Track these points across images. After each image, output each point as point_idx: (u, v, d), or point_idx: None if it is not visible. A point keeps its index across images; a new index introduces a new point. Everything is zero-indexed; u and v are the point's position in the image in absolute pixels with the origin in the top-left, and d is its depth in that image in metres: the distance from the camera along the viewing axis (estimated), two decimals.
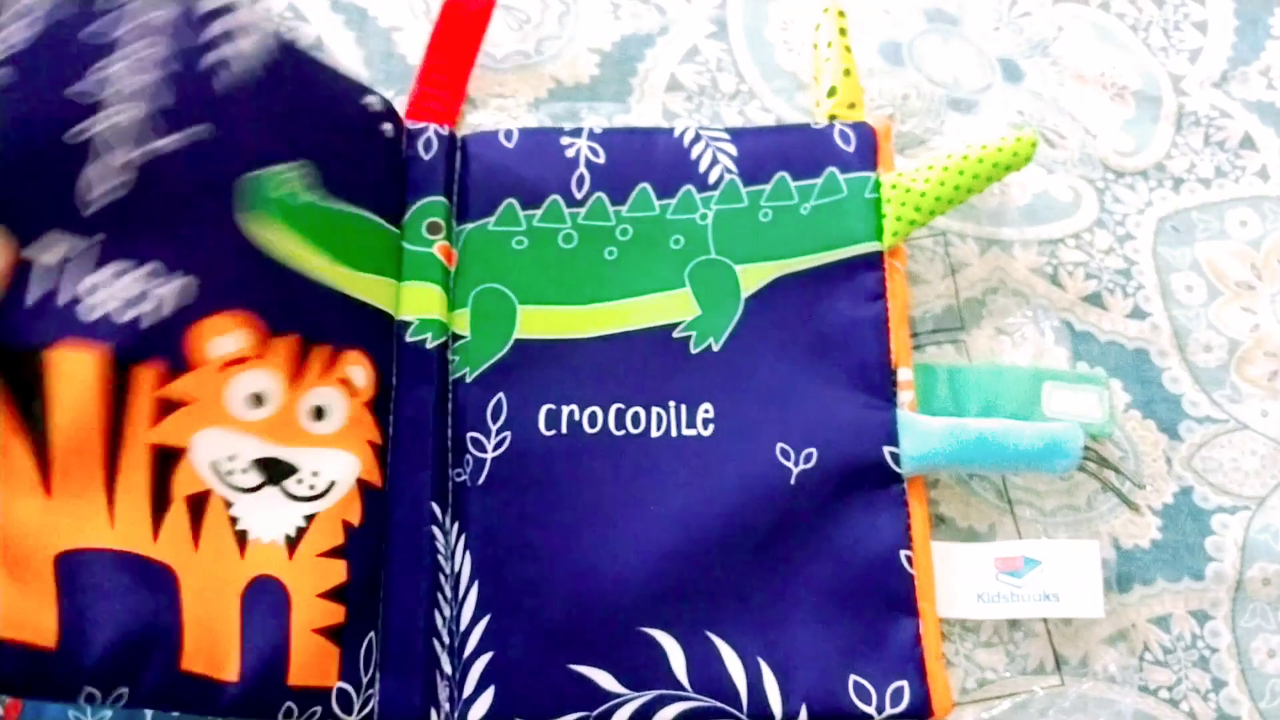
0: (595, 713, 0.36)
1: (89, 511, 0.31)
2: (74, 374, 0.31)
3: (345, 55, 0.45)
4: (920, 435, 0.38)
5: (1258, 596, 0.40)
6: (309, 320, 0.36)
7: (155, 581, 0.31)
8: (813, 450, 0.38)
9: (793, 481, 0.38)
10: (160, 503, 0.32)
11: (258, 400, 0.35)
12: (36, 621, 0.29)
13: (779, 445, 0.38)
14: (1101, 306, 0.43)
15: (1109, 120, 0.46)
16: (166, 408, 0.33)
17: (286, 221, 0.36)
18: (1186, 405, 0.42)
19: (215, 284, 0.33)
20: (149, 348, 0.32)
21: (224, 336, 0.34)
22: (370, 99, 0.40)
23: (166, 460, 0.33)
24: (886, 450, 0.38)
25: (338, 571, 0.35)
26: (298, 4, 0.45)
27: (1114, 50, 0.47)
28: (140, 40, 0.32)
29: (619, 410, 0.39)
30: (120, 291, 0.31)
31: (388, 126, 0.40)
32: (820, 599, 0.37)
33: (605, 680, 0.36)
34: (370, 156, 0.40)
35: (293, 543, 0.35)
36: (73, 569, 0.30)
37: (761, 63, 0.46)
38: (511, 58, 0.45)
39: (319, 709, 0.34)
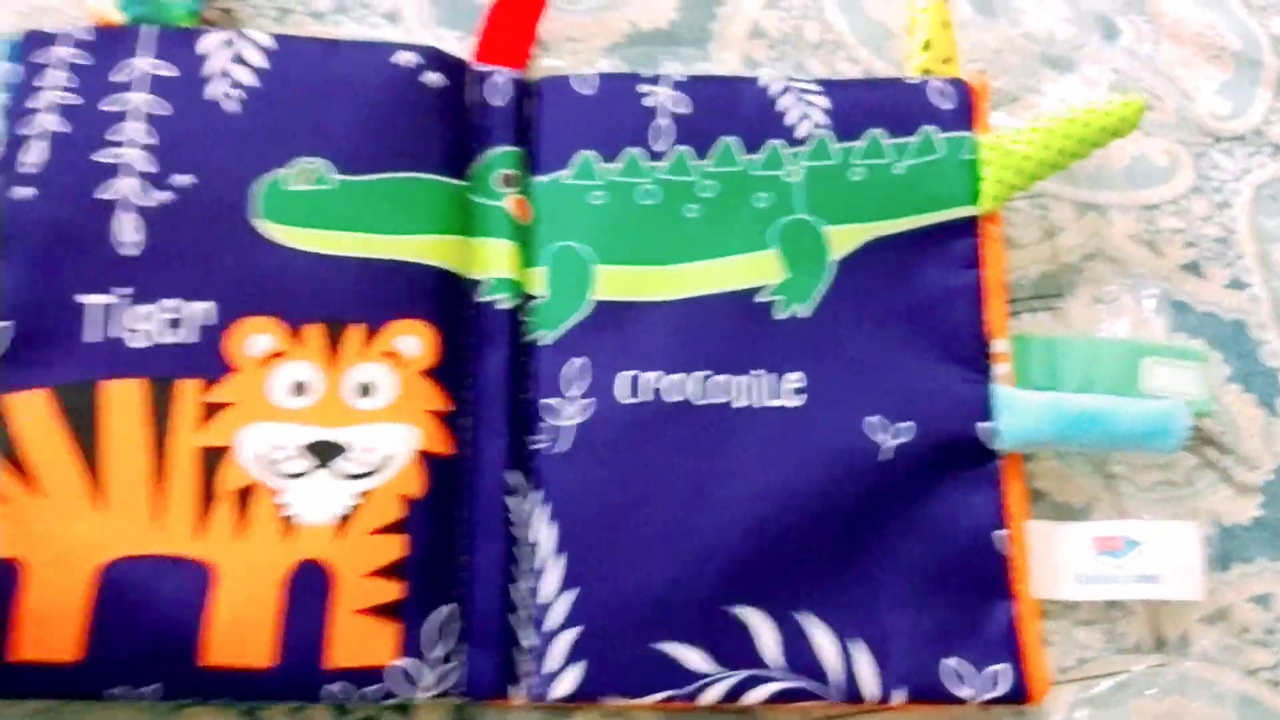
0: (684, 691, 0.34)
1: (135, 520, 0.34)
2: (125, 401, 0.35)
3: None
4: (1019, 411, 0.37)
5: None
6: (334, 304, 0.36)
7: (188, 581, 0.33)
8: (906, 424, 0.37)
9: (885, 456, 0.36)
10: (206, 500, 0.34)
11: (300, 389, 0.36)
12: (62, 639, 0.33)
13: (871, 418, 0.37)
14: (1199, 276, 0.42)
15: (1206, 82, 0.44)
16: (211, 411, 0.35)
17: (307, 214, 0.37)
18: None
19: (239, 295, 0.36)
20: (189, 363, 0.35)
21: (256, 337, 0.36)
22: (400, 55, 0.38)
23: (213, 460, 0.35)
24: (982, 426, 0.37)
25: (394, 547, 0.34)
26: None
27: (1213, 9, 0.45)
28: (147, 97, 0.37)
29: (702, 378, 0.37)
30: (158, 319, 0.35)
31: (431, 76, 0.38)
32: (913, 579, 0.36)
33: (695, 658, 0.35)
34: (413, 114, 0.38)
35: (343, 522, 0.34)
36: (111, 578, 0.33)
37: (849, 10, 0.44)
38: (587, 0, 0.43)
39: (372, 688, 0.33)
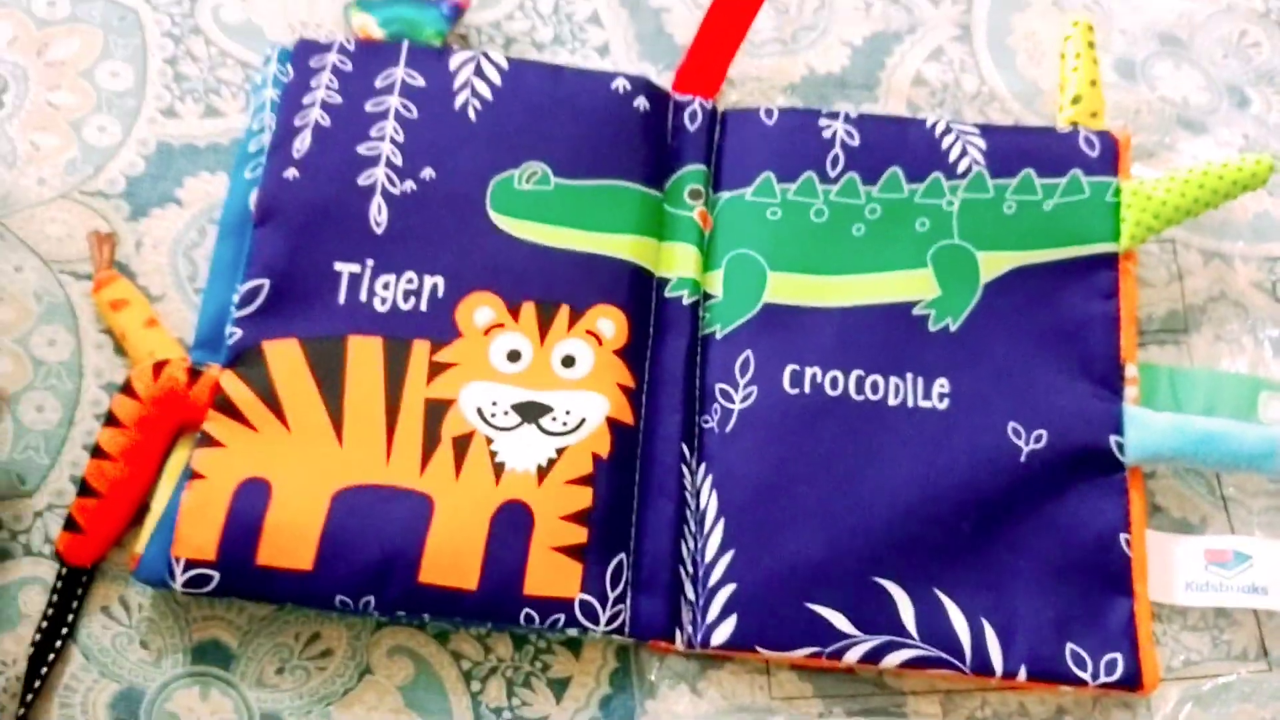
0: (829, 649, 0.38)
1: (371, 455, 0.39)
2: (367, 354, 0.40)
3: (619, 31, 0.48)
4: (1145, 428, 0.41)
5: None
6: (547, 287, 0.41)
7: (412, 509, 0.38)
8: (1043, 432, 0.41)
9: (1022, 459, 0.40)
10: (430, 443, 0.39)
11: (514, 356, 0.41)
12: (298, 550, 0.37)
13: (1011, 424, 0.41)
14: None
15: None
16: (438, 369, 0.40)
17: (529, 209, 0.42)
18: None
19: (470, 272, 0.42)
20: (424, 327, 0.41)
21: (480, 309, 0.41)
22: (618, 83, 0.44)
23: (438, 410, 0.40)
24: (1113, 439, 0.41)
25: (583, 497, 0.39)
26: None
27: None
28: (404, 100, 0.43)
29: (859, 376, 0.42)
30: (401, 288, 0.41)
31: (640, 101, 0.44)
32: (1042, 570, 0.40)
33: (840, 621, 0.39)
34: (624, 132, 0.44)
35: (544, 471, 0.39)
36: (344, 502, 0.38)
37: (1002, 67, 0.49)
38: (769, 44, 0.48)
39: (561, 616, 0.38)
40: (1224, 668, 0.40)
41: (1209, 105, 0.49)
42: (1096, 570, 0.40)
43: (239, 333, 0.40)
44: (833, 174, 0.44)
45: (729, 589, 0.39)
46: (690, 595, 0.39)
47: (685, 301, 0.43)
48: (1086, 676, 0.38)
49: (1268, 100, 0.49)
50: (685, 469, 0.41)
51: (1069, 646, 0.39)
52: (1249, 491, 0.43)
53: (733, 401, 0.42)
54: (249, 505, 0.38)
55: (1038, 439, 0.41)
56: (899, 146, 0.44)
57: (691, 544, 0.40)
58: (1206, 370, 0.43)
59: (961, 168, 0.44)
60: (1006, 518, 0.40)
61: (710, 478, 0.41)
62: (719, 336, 0.42)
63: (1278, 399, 0.42)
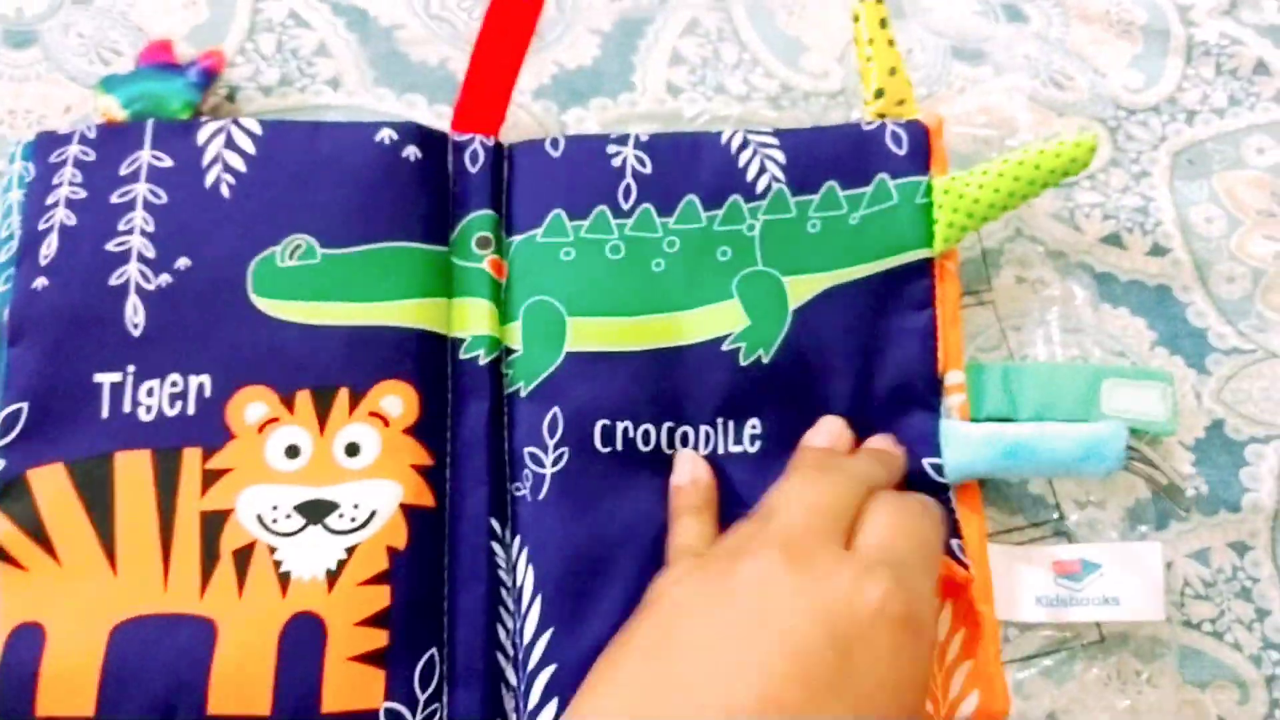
0: None
1: (147, 582, 0.37)
2: (135, 471, 0.38)
3: (350, 59, 0.45)
4: (962, 444, 0.38)
5: None
6: (322, 372, 0.39)
7: (194, 636, 0.36)
8: None
9: None
10: (209, 561, 0.37)
11: (293, 452, 0.38)
12: (78, 696, 0.35)
13: None
14: (1121, 246, 0.43)
15: (1117, 58, 0.45)
16: (212, 477, 0.38)
17: (296, 288, 0.39)
18: (1213, 338, 0.42)
19: (238, 366, 0.39)
20: (194, 433, 0.38)
21: (251, 405, 0.38)
22: (383, 133, 0.40)
23: (215, 522, 0.37)
24: (928, 462, 0.38)
25: (380, 597, 0.37)
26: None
27: None
28: (151, 186, 0.40)
29: (669, 428, 0.39)
30: (166, 393, 0.38)
31: (410, 150, 0.40)
32: None
33: None
34: (395, 187, 0.40)
35: (333, 576, 0.37)
36: (123, 637, 0.36)
37: (762, 29, 0.46)
38: None
39: None
40: (1064, 631, 0.39)
41: (985, 31, 0.46)
42: None
43: (1, 463, 0.38)
44: (626, 206, 0.41)
45: (549, 670, 0.37)
46: (512, 680, 0.38)
47: (482, 361, 0.40)
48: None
49: (1046, 14, 0.46)
50: (497, 545, 0.39)
51: None
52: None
53: (543, 466, 0.39)
54: (21, 654, 0.36)
55: None
56: (693, 168, 0.41)
57: (510, 625, 0.38)
58: (1040, 365, 0.41)
59: (761, 186, 0.41)
60: None
61: (525, 550, 0.39)
62: (523, 395, 0.40)
63: (1121, 387, 0.39)
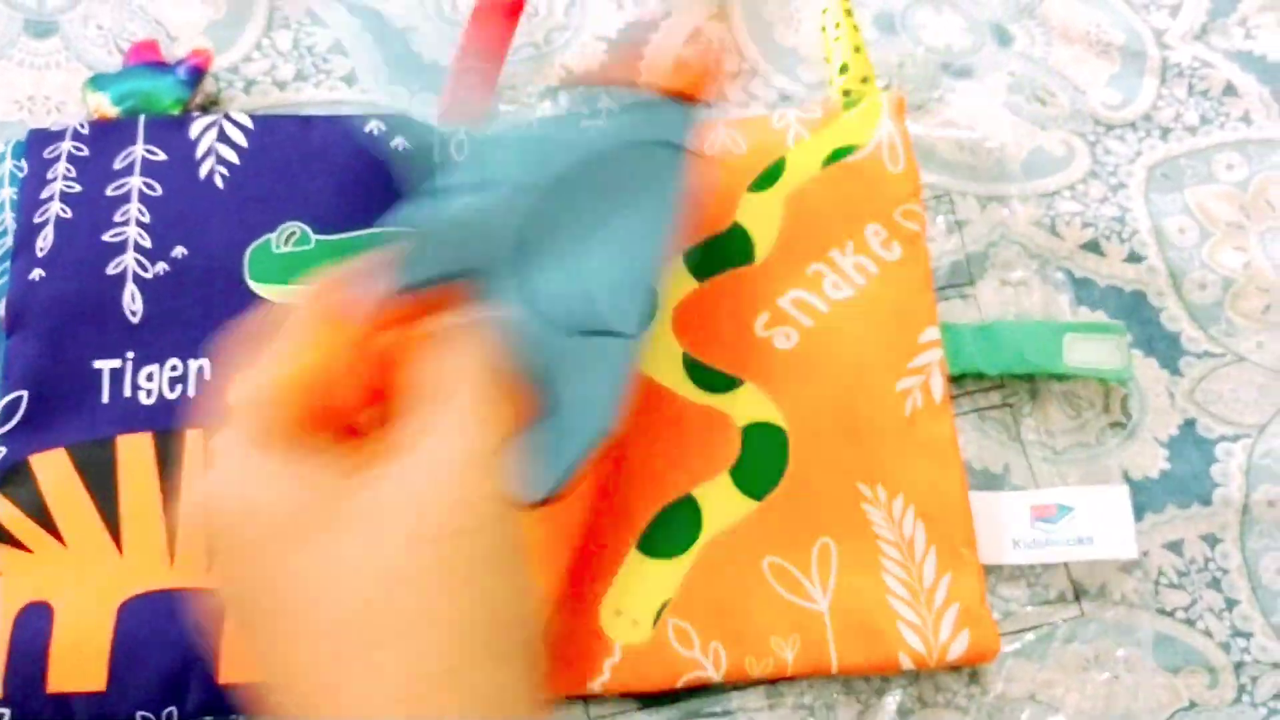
0: None
1: (152, 560, 0.38)
2: (137, 453, 0.39)
3: (364, 58, 0.47)
4: None
5: (1264, 518, 0.42)
6: None
7: (201, 610, 0.37)
8: None
9: None
10: None
11: None
12: (89, 670, 0.36)
13: None
14: (1099, 253, 0.45)
15: (1096, 76, 0.48)
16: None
17: (290, 272, 0.41)
18: (1185, 341, 0.44)
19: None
20: (195, 414, 0.39)
21: None
22: (372, 124, 0.42)
23: None
24: None
25: None
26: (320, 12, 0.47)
27: (1098, 9, 0.49)
28: (146, 179, 0.42)
29: None
30: (165, 377, 0.40)
31: (399, 141, 0.42)
32: None
33: None
34: (382, 175, 0.42)
35: None
36: (131, 613, 0.37)
37: (760, 41, 0.48)
38: (522, 49, 0.47)
39: None
40: (1042, 614, 0.40)
41: (972, 47, 0.48)
42: None
43: (2, 450, 0.38)
44: None
45: None
46: None
47: None
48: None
49: (1030, 34, 0.49)
50: None
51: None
52: (1051, 432, 0.42)
53: None
54: (31, 632, 0.37)
55: None
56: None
57: None
58: (1010, 322, 0.43)
59: None
60: None
61: None
62: None
63: (1081, 340, 0.42)
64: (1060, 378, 0.43)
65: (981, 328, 0.42)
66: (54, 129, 0.42)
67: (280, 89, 0.46)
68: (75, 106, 0.45)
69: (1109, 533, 0.40)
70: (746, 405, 0.40)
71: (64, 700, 0.36)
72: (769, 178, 0.43)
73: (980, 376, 0.43)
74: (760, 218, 0.42)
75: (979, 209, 0.45)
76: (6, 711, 0.36)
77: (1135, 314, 0.44)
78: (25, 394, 0.39)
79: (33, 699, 0.36)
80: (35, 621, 0.37)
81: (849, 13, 0.45)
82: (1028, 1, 0.49)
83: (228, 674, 0.37)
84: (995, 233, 0.45)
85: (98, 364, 0.40)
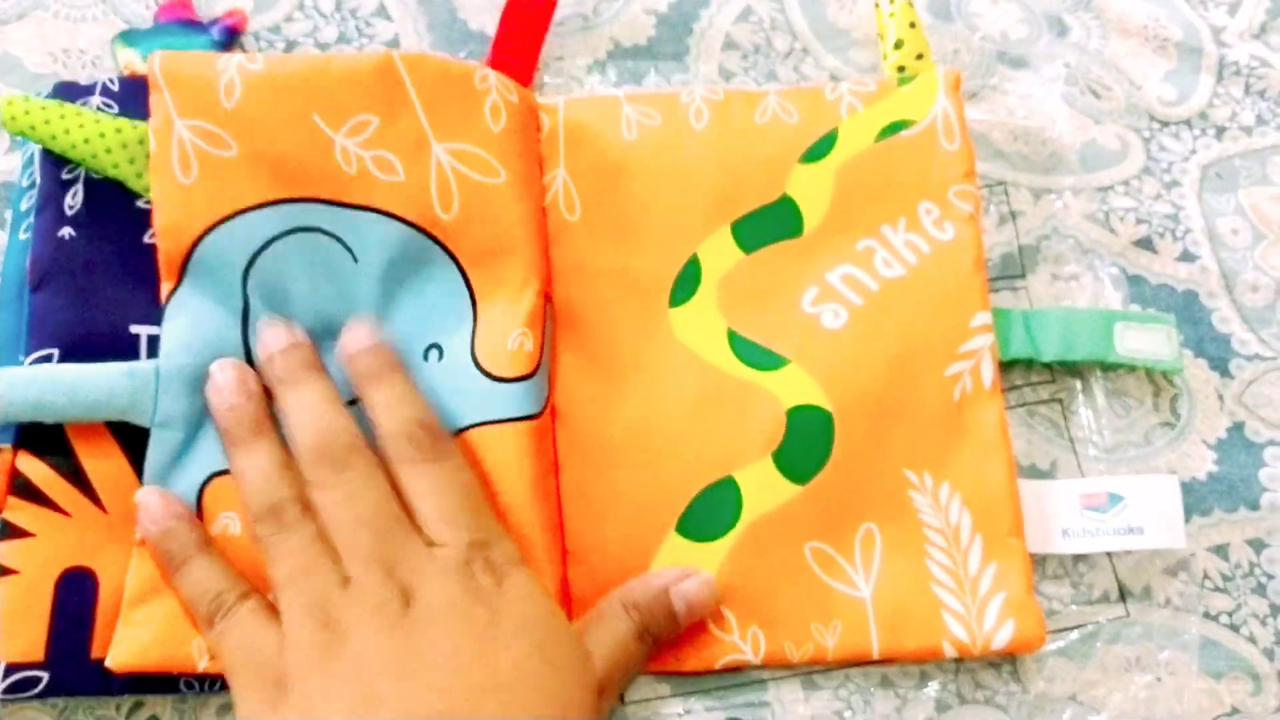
0: None
1: None
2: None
3: (409, 24, 0.46)
4: None
5: None
6: None
7: None
8: None
9: None
10: None
11: None
12: None
13: None
14: (1152, 250, 0.44)
15: (1152, 72, 0.47)
16: None
17: None
18: (1236, 344, 0.43)
19: None
20: None
21: None
22: None
23: None
24: None
25: None
26: None
27: (1155, 4, 0.48)
28: None
29: None
30: None
31: None
32: None
33: None
34: None
35: None
36: None
37: (813, 20, 0.47)
38: (570, 20, 0.46)
39: None
40: (1086, 614, 0.40)
41: (1029, 37, 0.47)
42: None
43: None
44: None
45: None
46: None
47: None
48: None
49: (1086, 26, 0.48)
50: None
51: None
52: (1098, 429, 0.42)
53: None
54: (76, 597, 0.36)
55: None
56: None
57: None
58: (1061, 309, 0.42)
59: None
60: None
61: None
62: None
63: (1132, 329, 0.41)
64: (1111, 368, 0.42)
65: (1033, 314, 0.41)
66: (83, 83, 0.41)
67: (322, 50, 0.45)
68: (110, 61, 0.44)
69: (1159, 523, 0.39)
70: (793, 387, 0.39)
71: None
72: (820, 149, 0.42)
73: (1030, 366, 0.42)
74: (810, 190, 0.41)
75: (1032, 201, 0.45)
76: (45, 675, 0.35)
77: (1186, 314, 0.44)
78: (56, 352, 0.38)
79: (76, 665, 0.35)
80: (79, 586, 0.36)
81: None
82: None
83: None
84: (1048, 225, 0.44)
85: (135, 329, 0.38)
